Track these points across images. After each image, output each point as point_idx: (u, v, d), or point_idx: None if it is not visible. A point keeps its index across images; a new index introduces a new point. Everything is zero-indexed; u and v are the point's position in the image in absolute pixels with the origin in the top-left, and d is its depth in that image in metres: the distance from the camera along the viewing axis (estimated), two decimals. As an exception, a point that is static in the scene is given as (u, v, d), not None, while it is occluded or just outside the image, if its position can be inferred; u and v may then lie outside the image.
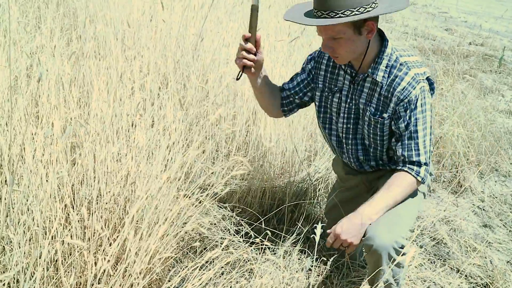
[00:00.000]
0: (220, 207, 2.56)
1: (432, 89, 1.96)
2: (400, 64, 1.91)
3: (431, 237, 2.79)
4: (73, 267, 1.63)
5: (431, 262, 2.60)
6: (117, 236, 1.73)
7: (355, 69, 1.98)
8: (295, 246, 2.39)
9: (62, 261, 1.59)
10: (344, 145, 2.12)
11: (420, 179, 1.94)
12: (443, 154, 3.65)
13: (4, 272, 1.56)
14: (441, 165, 3.60)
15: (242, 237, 2.34)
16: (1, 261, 1.60)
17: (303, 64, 2.17)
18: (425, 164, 1.94)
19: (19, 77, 2.18)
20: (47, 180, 1.68)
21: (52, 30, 2.40)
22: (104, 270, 1.60)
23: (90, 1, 3.08)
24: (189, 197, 2.14)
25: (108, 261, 1.63)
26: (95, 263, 1.56)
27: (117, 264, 1.71)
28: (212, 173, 2.71)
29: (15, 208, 1.68)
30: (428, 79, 1.92)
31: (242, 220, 2.46)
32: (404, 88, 1.88)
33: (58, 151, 1.76)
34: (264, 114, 2.91)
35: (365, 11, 1.79)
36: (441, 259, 2.64)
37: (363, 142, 2.08)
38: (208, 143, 2.86)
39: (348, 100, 2.03)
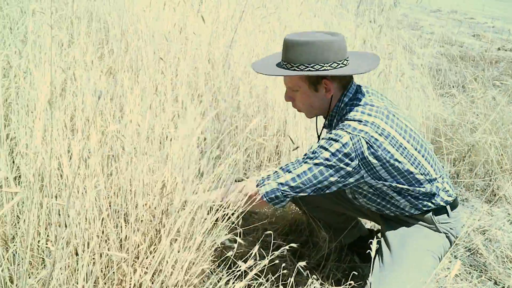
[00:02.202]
0: (254, 218, 2.56)
1: (369, 149, 1.78)
2: (345, 118, 1.86)
3: (466, 248, 2.74)
4: (112, 279, 1.64)
5: (467, 273, 2.55)
6: (154, 249, 1.74)
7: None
8: (328, 258, 2.38)
9: (101, 273, 1.61)
10: None
11: (261, 193, 1.86)
12: (476, 163, 3.58)
13: (44, 284, 1.57)
14: (473, 174, 3.54)
15: (275, 247, 2.33)
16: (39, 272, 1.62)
17: None
18: (280, 185, 1.84)
19: (54, 92, 2.22)
20: (84, 192, 1.70)
21: (85, 45, 2.44)
22: (141, 283, 1.61)
23: (122, 16, 3.13)
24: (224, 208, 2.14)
25: (146, 273, 1.64)
26: (133, 275, 1.57)
27: (153, 276, 1.71)
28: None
29: (53, 220, 1.70)
30: (363, 138, 1.77)
31: (274, 230, 2.46)
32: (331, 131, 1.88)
33: (95, 164, 1.78)
34: (294, 124, 2.91)
35: (320, 69, 1.80)
36: (477, 270, 2.58)
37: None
38: (239, 154, 2.86)
39: None
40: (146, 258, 1.71)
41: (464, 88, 4.98)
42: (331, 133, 1.81)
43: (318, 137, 2.08)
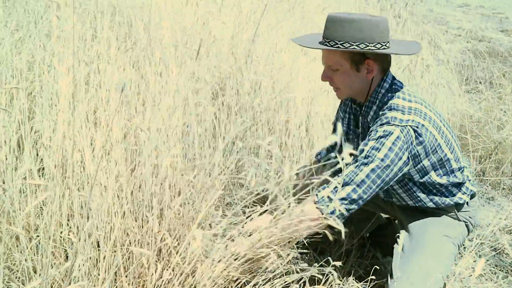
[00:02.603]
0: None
1: (417, 138, 1.77)
2: (386, 106, 1.83)
3: (491, 247, 2.68)
4: (133, 273, 1.64)
5: (492, 273, 2.50)
6: (180, 247, 1.73)
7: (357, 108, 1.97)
8: (350, 254, 2.35)
9: (122, 266, 1.61)
10: None
11: (326, 215, 1.75)
12: (503, 160, 3.51)
13: (66, 275, 1.58)
14: (500, 172, 3.47)
15: (307, 255, 2.32)
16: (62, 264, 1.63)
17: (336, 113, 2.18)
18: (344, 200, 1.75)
19: (78, 85, 2.23)
20: (106, 185, 1.71)
21: (108, 39, 2.44)
22: (162, 279, 1.61)
23: (145, 10, 3.13)
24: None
25: (166, 269, 1.64)
26: (155, 271, 1.57)
27: (180, 276, 1.70)
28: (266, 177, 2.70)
29: (76, 212, 1.71)
30: (411, 127, 1.76)
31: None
32: (375, 126, 1.82)
33: (118, 157, 1.79)
34: (317, 120, 2.89)
35: (365, 48, 1.76)
36: (503, 270, 2.53)
37: None
38: (261, 148, 2.85)
39: (361, 142, 1.98)
40: (169, 255, 1.71)
41: (492, 84, 4.88)
42: (377, 131, 1.77)
43: (350, 124, 2.06)
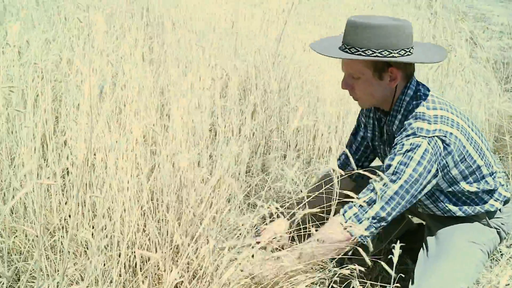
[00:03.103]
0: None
1: (446, 149, 1.69)
2: (412, 116, 1.74)
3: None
4: (150, 273, 1.64)
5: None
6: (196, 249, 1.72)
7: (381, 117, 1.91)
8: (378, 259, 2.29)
9: (140, 266, 1.61)
10: None
11: (357, 236, 1.69)
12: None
13: (83, 274, 1.59)
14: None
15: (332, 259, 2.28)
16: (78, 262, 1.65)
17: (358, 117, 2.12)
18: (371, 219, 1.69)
19: (105, 85, 2.25)
20: (126, 184, 1.71)
21: (136, 39, 2.46)
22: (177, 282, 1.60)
23: (174, 11, 3.15)
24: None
25: (181, 273, 1.63)
26: (169, 273, 1.56)
27: (194, 278, 1.69)
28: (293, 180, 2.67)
29: (97, 212, 1.72)
30: (439, 137, 1.68)
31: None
32: (400, 137, 1.73)
33: (137, 158, 1.79)
34: (347, 120, 2.84)
35: (388, 55, 1.67)
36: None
37: None
38: (289, 149, 2.82)
39: (387, 149, 1.93)
40: (186, 257, 1.70)
41: (533, 83, 4.70)
42: (403, 144, 1.69)
43: (375, 130, 2.01)
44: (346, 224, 1.70)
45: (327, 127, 2.87)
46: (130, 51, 2.36)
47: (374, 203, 1.68)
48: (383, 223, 1.71)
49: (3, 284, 1.47)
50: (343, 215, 1.71)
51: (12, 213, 1.76)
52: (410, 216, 2.37)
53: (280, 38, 2.82)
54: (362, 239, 1.71)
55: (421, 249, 1.93)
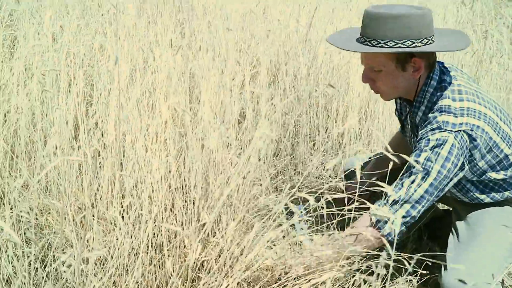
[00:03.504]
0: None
1: (472, 143, 1.65)
2: (436, 108, 1.69)
3: None
4: (177, 251, 1.68)
5: None
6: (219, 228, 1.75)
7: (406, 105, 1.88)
8: (405, 246, 2.28)
9: (166, 244, 1.65)
10: None
11: (387, 234, 1.68)
12: None
13: (110, 251, 1.64)
14: None
15: None
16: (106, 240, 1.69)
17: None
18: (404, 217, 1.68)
19: (135, 70, 2.29)
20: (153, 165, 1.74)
21: (167, 25, 2.50)
22: (203, 260, 1.63)
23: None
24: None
25: (206, 251, 1.66)
26: (195, 251, 1.59)
27: (219, 257, 1.72)
28: (324, 167, 2.67)
29: (126, 191, 1.77)
30: (465, 132, 1.63)
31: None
32: (425, 131, 1.68)
33: (166, 139, 1.83)
34: (377, 106, 2.81)
35: (411, 45, 1.62)
36: None
37: None
38: (319, 135, 2.82)
39: (412, 139, 1.91)
40: (213, 236, 1.73)
41: None
42: (429, 139, 1.66)
43: (401, 122, 1.99)
44: (375, 219, 1.69)
45: (356, 112, 2.85)
46: (161, 37, 2.41)
47: (405, 202, 1.67)
48: (412, 220, 1.70)
49: (34, 254, 1.52)
50: (374, 214, 1.68)
51: (46, 191, 1.83)
52: (436, 202, 2.34)
53: (310, 23, 2.81)
54: (392, 238, 1.69)
55: (451, 234, 1.90)
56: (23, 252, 1.42)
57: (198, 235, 1.64)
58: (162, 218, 1.71)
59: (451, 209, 2.34)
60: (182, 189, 1.87)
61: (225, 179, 1.76)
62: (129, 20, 2.46)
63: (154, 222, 1.61)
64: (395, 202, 1.67)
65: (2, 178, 1.63)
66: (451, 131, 1.62)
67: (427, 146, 1.65)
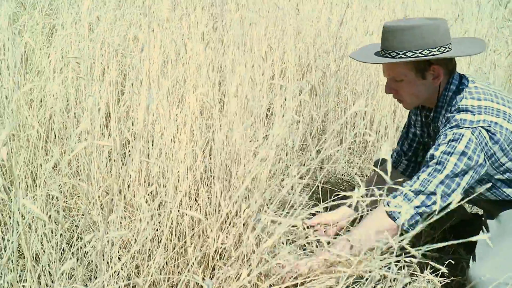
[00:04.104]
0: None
1: (492, 138, 1.67)
2: (455, 109, 1.73)
3: None
4: (197, 239, 1.72)
5: None
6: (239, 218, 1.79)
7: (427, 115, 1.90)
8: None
9: (189, 233, 1.70)
10: None
11: (401, 224, 1.68)
12: None
13: (134, 235, 1.69)
14: None
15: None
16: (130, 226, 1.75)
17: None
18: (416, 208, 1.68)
19: (168, 62, 2.35)
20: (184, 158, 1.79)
21: (199, 18, 2.54)
22: (224, 248, 1.67)
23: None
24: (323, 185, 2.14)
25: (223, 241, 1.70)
26: (217, 240, 1.63)
27: (239, 247, 1.75)
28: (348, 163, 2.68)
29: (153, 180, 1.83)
30: (483, 128, 1.66)
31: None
32: (444, 129, 1.72)
33: (193, 130, 1.87)
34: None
35: (429, 54, 1.68)
36: None
37: None
38: (346, 132, 2.82)
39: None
40: (233, 226, 1.77)
41: None
42: (446, 134, 1.70)
43: (424, 127, 1.99)
44: (389, 210, 1.70)
45: (385, 111, 2.85)
46: (193, 30, 2.45)
47: (420, 193, 1.69)
48: (428, 212, 1.70)
49: (61, 234, 1.59)
50: (388, 204, 1.72)
51: (76, 175, 1.90)
52: (467, 204, 2.33)
53: (341, 20, 2.82)
54: (406, 228, 1.71)
55: (481, 231, 1.89)
56: (52, 232, 1.49)
57: (220, 224, 1.69)
58: (186, 207, 1.76)
59: (480, 213, 2.33)
60: (207, 179, 1.91)
61: (248, 171, 1.80)
62: (163, 12, 2.52)
63: (178, 210, 1.65)
64: (410, 192, 1.70)
65: (36, 160, 1.70)
66: (468, 127, 1.66)
67: (444, 140, 1.69)
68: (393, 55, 1.74)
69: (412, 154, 2.09)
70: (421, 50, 1.70)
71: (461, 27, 3.34)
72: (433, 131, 1.91)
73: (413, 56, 1.70)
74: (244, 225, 1.69)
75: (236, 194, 1.75)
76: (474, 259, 1.76)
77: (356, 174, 2.72)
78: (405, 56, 1.71)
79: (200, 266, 1.73)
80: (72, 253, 1.60)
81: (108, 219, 1.45)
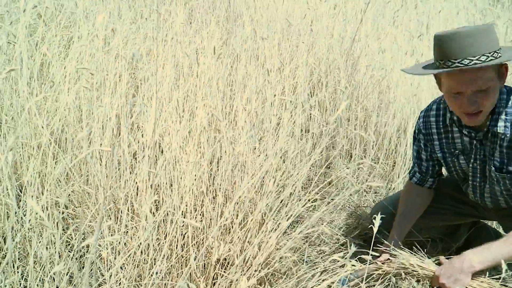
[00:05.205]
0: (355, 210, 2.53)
1: None
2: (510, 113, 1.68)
3: None
4: (199, 249, 1.75)
5: None
6: (243, 227, 1.81)
7: (473, 127, 1.79)
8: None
9: (190, 242, 1.73)
10: (472, 194, 1.96)
11: None
12: None
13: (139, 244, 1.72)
14: None
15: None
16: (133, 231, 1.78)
17: (413, 139, 2.03)
18: None
19: (181, 75, 2.40)
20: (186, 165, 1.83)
21: (212, 33, 2.59)
22: (226, 257, 1.69)
23: (254, 7, 3.26)
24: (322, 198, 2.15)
25: (229, 250, 1.72)
26: (218, 248, 1.66)
27: (238, 256, 1.78)
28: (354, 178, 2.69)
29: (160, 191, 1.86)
30: None
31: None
32: None
33: (200, 142, 1.91)
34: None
35: (498, 56, 1.62)
36: None
37: (495, 198, 1.89)
38: (354, 147, 2.84)
39: (472, 161, 1.85)
40: (234, 232, 1.80)
41: None
42: None
43: (450, 148, 1.93)
44: None
45: (395, 129, 2.85)
46: (206, 44, 2.50)
47: None
48: None
49: (61, 239, 1.63)
50: None
51: (86, 184, 1.94)
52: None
53: (354, 38, 2.85)
54: None
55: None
56: (53, 236, 1.53)
57: (222, 234, 1.72)
58: (191, 217, 1.79)
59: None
60: (211, 193, 1.94)
61: (252, 182, 1.83)
62: (177, 26, 2.57)
63: (177, 219, 1.68)
64: None
65: (46, 166, 1.75)
66: None
67: None
68: (466, 63, 1.60)
69: (432, 173, 2.02)
70: (492, 52, 1.60)
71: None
72: (490, 140, 1.80)
73: (499, 57, 1.61)
74: (246, 235, 1.72)
75: (239, 206, 1.78)
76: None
77: (365, 191, 2.73)
78: (479, 61, 1.59)
79: (202, 275, 1.76)
80: (76, 258, 1.64)
81: (104, 226, 1.48)
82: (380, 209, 2.07)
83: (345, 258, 1.63)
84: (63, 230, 1.77)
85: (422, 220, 2.05)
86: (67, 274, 1.53)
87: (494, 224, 2.37)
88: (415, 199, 2.05)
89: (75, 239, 1.67)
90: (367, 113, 2.88)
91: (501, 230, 2.22)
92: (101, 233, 1.72)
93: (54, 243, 1.53)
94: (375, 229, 1.50)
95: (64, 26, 2.70)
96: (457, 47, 1.60)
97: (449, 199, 2.09)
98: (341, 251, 2.17)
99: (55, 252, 1.47)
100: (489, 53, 1.59)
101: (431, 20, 3.64)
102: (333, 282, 1.72)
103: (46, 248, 1.55)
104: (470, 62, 1.59)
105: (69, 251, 1.70)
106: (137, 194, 1.95)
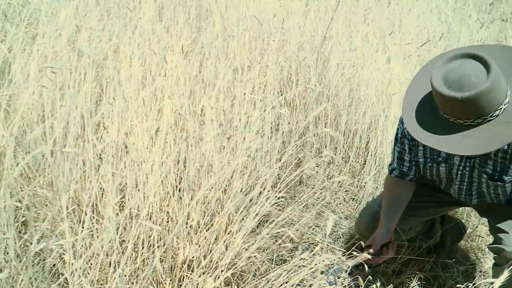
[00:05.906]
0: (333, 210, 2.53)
1: None
2: None
3: None
4: (165, 251, 1.72)
5: None
6: (208, 229, 1.79)
7: None
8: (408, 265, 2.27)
9: (156, 243, 1.70)
10: (456, 194, 1.97)
11: None
12: None
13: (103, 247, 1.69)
14: None
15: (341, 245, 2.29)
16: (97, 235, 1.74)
17: (396, 141, 2.00)
18: None
19: (148, 73, 2.35)
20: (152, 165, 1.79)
21: (181, 31, 2.55)
22: (193, 258, 1.67)
23: (225, 5, 3.23)
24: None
25: (196, 250, 1.70)
26: (184, 249, 1.63)
27: (205, 256, 1.76)
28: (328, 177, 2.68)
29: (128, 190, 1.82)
30: None
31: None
32: None
33: (167, 141, 1.87)
34: (385, 123, 2.81)
35: (506, 100, 1.60)
36: None
37: (482, 197, 1.91)
38: (324, 145, 2.83)
39: (461, 168, 1.85)
40: (201, 233, 1.77)
41: None
42: None
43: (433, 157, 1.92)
44: None
45: (366, 127, 2.85)
46: (175, 42, 2.46)
47: None
48: None
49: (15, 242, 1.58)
50: None
51: (50, 186, 1.89)
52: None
53: (325, 35, 2.83)
54: None
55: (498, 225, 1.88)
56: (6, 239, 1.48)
57: (188, 235, 1.69)
58: (157, 218, 1.76)
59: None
60: (179, 192, 1.91)
61: (219, 181, 1.81)
62: (146, 24, 2.53)
63: (137, 221, 1.65)
64: None
65: (5, 169, 1.70)
66: None
67: None
68: (479, 122, 1.59)
69: (414, 172, 2.00)
70: (504, 100, 1.59)
71: (445, 45, 3.37)
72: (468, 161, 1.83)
73: (501, 111, 1.59)
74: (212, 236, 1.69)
75: (205, 206, 1.75)
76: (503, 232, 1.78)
77: (336, 188, 2.73)
78: (492, 117, 1.58)
79: (168, 278, 1.73)
80: (37, 263, 1.60)
81: (66, 227, 1.44)
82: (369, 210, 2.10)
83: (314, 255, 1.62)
84: (20, 233, 1.72)
85: (411, 217, 2.05)
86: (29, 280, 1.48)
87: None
88: (398, 189, 2.03)
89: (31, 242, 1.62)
90: (338, 111, 2.87)
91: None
92: (61, 235, 1.68)
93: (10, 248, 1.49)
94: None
95: (29, 23, 2.63)
96: (473, 110, 1.57)
97: (432, 190, 2.08)
98: (311, 250, 2.16)
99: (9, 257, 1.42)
100: (502, 102, 1.58)
101: (403, 18, 3.65)
102: (301, 281, 1.71)
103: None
104: (483, 121, 1.58)
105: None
106: (102, 195, 1.91)
